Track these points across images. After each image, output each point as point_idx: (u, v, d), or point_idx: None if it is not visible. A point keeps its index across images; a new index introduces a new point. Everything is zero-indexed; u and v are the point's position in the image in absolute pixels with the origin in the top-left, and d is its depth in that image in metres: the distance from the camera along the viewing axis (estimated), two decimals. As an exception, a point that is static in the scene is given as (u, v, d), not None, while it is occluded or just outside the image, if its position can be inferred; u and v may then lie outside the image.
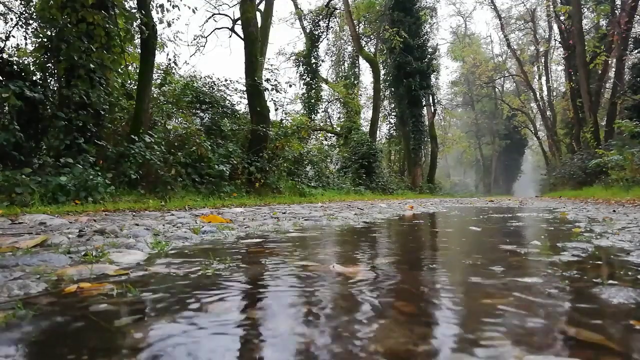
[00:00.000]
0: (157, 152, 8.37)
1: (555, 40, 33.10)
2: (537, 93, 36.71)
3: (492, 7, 35.76)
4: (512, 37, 36.97)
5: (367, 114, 32.77)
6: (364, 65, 30.83)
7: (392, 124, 31.05)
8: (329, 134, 26.70)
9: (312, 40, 27.04)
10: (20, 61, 7.77)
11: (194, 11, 11.00)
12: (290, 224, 3.63)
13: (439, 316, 0.96)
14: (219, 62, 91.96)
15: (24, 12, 8.23)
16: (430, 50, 28.53)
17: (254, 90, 12.10)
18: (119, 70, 9.37)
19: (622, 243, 2.17)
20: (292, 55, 27.71)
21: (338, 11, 27.59)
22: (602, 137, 19.97)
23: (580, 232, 2.79)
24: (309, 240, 2.57)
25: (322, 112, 29.67)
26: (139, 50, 9.74)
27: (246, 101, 13.00)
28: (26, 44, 8.41)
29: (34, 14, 8.05)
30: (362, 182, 19.91)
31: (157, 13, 9.25)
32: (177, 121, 11.59)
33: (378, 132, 28.98)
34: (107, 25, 7.71)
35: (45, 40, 7.50)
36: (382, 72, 27.38)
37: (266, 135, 11.86)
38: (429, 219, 4.87)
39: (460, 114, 56.65)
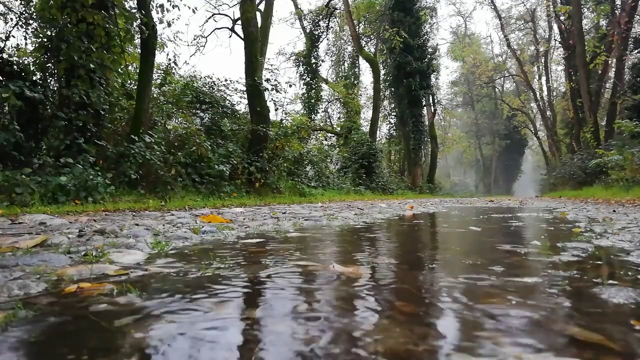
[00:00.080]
0: (157, 152, 8.37)
1: (555, 40, 33.12)
2: (537, 93, 36.72)
3: (492, 7, 35.79)
4: (512, 37, 37.02)
5: (367, 114, 32.81)
6: (364, 65, 30.89)
7: (392, 124, 31.05)
8: (329, 134, 26.70)
9: (312, 40, 27.04)
10: (20, 61, 7.77)
11: (194, 11, 11.01)
12: (290, 224, 3.63)
13: (439, 316, 0.96)
14: (219, 62, 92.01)
15: (24, 12, 8.23)
16: (430, 50, 28.52)
17: (254, 90, 12.10)
18: (119, 70, 9.37)
19: (622, 243, 2.17)
20: (292, 55, 27.73)
21: (338, 11, 27.59)
22: (602, 137, 19.96)
23: (580, 232, 2.79)
24: (309, 240, 2.57)
25: (322, 112, 29.70)
26: (139, 50, 9.74)
27: (246, 101, 13.01)
28: (26, 44, 8.42)
29: (34, 14, 8.05)
30: (362, 182, 19.91)
31: (157, 13, 9.27)
32: (177, 121, 11.59)
33: (378, 132, 29.00)
34: (107, 25, 7.71)
35: (45, 40, 7.50)
36: (382, 72, 27.38)
37: (266, 135, 11.86)
38: (429, 219, 4.87)
39: (460, 114, 56.65)
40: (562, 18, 25.51)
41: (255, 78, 11.99)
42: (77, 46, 7.29)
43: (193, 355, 0.73)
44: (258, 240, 2.46)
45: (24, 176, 5.64)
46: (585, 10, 24.43)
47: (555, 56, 36.33)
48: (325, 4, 27.06)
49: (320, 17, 27.24)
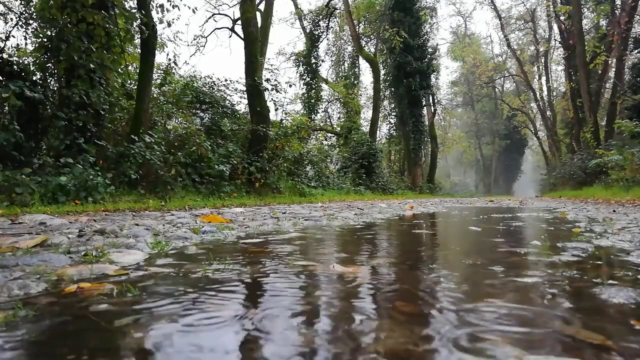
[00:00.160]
0: (157, 152, 8.37)
1: (555, 40, 33.12)
2: (537, 93, 36.72)
3: (492, 7, 35.79)
4: (512, 37, 37.02)
5: (367, 114, 32.81)
6: (364, 65, 30.88)
7: (392, 124, 31.05)
8: (329, 134, 26.70)
9: (312, 40, 27.03)
10: (20, 61, 7.77)
11: (194, 11, 11.01)
12: (290, 224, 3.63)
13: (439, 316, 0.96)
14: (219, 62, 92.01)
15: (24, 12, 8.22)
16: (430, 50, 28.52)
17: (254, 90, 12.10)
18: (119, 70, 9.37)
19: (622, 243, 2.17)
20: (292, 55, 27.72)
21: (338, 11, 27.59)
22: (602, 137, 19.96)
23: (580, 232, 2.79)
24: (309, 240, 2.57)
25: (322, 112, 29.69)
26: (139, 50, 9.74)
27: (246, 101, 13.01)
28: (26, 44, 8.42)
29: (34, 14, 8.05)
30: (362, 182, 19.91)
31: (157, 13, 9.26)
32: (177, 121, 11.58)
33: (378, 132, 29.00)
34: (107, 25, 7.70)
35: (45, 40, 7.50)
36: (382, 72, 27.38)
37: (266, 135, 11.86)
38: (429, 219, 4.87)
39: (460, 114, 56.65)
40: (562, 18, 25.51)
41: (255, 78, 11.99)
42: (77, 46, 7.29)
43: (193, 355, 0.73)
44: (258, 240, 2.46)
45: (24, 176, 5.64)
46: (585, 10, 24.44)
47: (555, 56, 36.36)
48: (325, 4, 27.06)
49: (320, 17, 27.24)
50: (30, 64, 7.78)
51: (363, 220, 4.27)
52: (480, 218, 4.70)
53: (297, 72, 26.84)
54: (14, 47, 8.37)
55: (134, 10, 8.79)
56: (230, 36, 26.62)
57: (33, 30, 8.14)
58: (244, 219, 4.15)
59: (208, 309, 1.01)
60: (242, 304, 1.08)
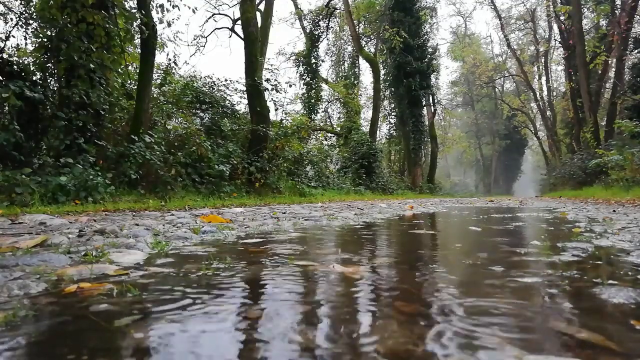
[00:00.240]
0: (157, 152, 8.37)
1: (555, 40, 33.12)
2: (537, 93, 36.72)
3: (492, 7, 35.79)
4: (512, 37, 37.02)
5: (367, 114, 32.81)
6: (364, 65, 30.88)
7: (392, 124, 31.05)
8: (329, 134, 26.70)
9: (312, 40, 27.03)
10: (20, 61, 7.77)
11: (194, 11, 11.01)
12: (290, 224, 3.63)
13: (439, 316, 0.96)
14: (219, 62, 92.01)
15: (24, 12, 8.22)
16: (430, 50, 28.53)
17: (254, 90, 12.10)
18: (119, 70, 9.37)
19: (622, 243, 2.17)
20: (292, 55, 27.72)
21: (338, 11, 27.59)
22: (602, 137, 19.96)
23: (580, 232, 2.79)
24: (309, 240, 2.57)
25: (322, 112, 29.69)
26: (139, 50, 9.74)
27: (246, 101, 13.01)
28: (26, 44, 8.42)
29: (34, 14, 8.05)
30: (362, 182, 19.91)
31: (157, 13, 9.26)
32: (177, 121, 11.58)
33: (378, 132, 29.00)
34: (107, 25, 7.70)
35: (45, 40, 7.50)
36: (382, 72, 27.38)
37: (266, 135, 11.86)
38: (429, 219, 4.87)
39: (460, 114, 56.65)
40: (562, 18, 25.51)
41: (255, 78, 11.99)
42: (77, 46, 7.29)
43: (193, 356, 0.73)
44: (258, 240, 2.46)
45: (24, 176, 5.64)
46: (585, 10, 24.44)
47: (555, 56, 36.36)
48: (325, 4, 27.06)
49: (320, 17, 27.24)
50: (30, 64, 7.78)
51: (363, 220, 4.27)
52: (480, 218, 4.70)
53: (297, 72, 26.88)
54: (14, 47, 8.38)
55: (134, 10, 8.79)
56: (230, 36, 26.64)
57: (33, 30, 8.14)
58: (244, 219, 4.15)
59: (208, 309, 1.01)
60: (242, 304, 1.08)
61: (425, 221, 4.39)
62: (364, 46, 27.69)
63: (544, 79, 37.02)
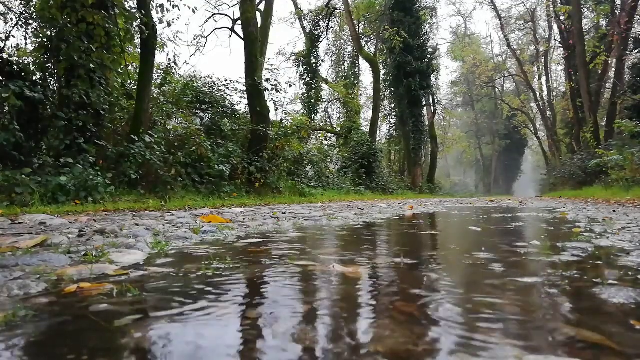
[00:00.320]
0: (157, 152, 8.37)
1: (555, 40, 33.12)
2: (537, 93, 36.73)
3: (492, 7, 35.80)
4: (512, 37, 37.02)
5: (367, 114, 32.81)
6: (364, 65, 30.88)
7: (392, 124, 31.05)
8: (329, 134, 26.70)
9: (312, 40, 27.03)
10: (20, 61, 7.77)
11: (194, 11, 11.00)
12: (290, 224, 3.63)
13: (439, 316, 0.96)
14: (219, 62, 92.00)
15: (24, 12, 8.22)
16: (430, 50, 28.53)
17: (254, 90, 12.10)
18: (119, 70, 9.37)
19: (622, 243, 2.17)
20: (292, 55, 27.72)
21: (338, 11, 27.59)
22: (602, 137, 19.97)
23: (580, 232, 2.79)
24: (309, 240, 2.57)
25: (322, 112, 29.69)
26: (139, 50, 9.74)
27: (246, 101, 13.01)
28: (26, 44, 8.42)
29: (34, 14, 8.05)
30: (362, 182, 19.91)
31: (157, 13, 9.26)
32: (177, 121, 11.58)
33: (378, 132, 28.99)
34: (107, 25, 7.70)
35: (45, 40, 7.50)
36: (382, 72, 27.38)
37: (266, 135, 11.86)
38: (429, 219, 4.87)
39: (460, 114, 56.64)
40: (562, 18, 25.51)
41: (255, 78, 11.99)
42: (77, 46, 7.29)
43: (193, 355, 0.73)
44: (258, 240, 2.46)
45: (24, 176, 5.64)
46: (585, 10, 24.44)
47: (555, 56, 36.36)
48: (325, 4, 27.06)
49: (320, 17, 27.24)
50: (30, 64, 7.77)
51: (363, 220, 4.27)
52: (480, 218, 4.70)
53: (297, 72, 26.88)
54: (14, 47, 8.37)
55: (134, 10, 8.79)
56: (230, 36, 26.64)
57: (33, 30, 8.14)
58: (244, 219, 4.15)
59: (208, 309, 1.01)
60: (242, 304, 1.08)
61: (425, 221, 4.39)
62: (364, 46, 27.69)
63: (544, 79, 37.06)
